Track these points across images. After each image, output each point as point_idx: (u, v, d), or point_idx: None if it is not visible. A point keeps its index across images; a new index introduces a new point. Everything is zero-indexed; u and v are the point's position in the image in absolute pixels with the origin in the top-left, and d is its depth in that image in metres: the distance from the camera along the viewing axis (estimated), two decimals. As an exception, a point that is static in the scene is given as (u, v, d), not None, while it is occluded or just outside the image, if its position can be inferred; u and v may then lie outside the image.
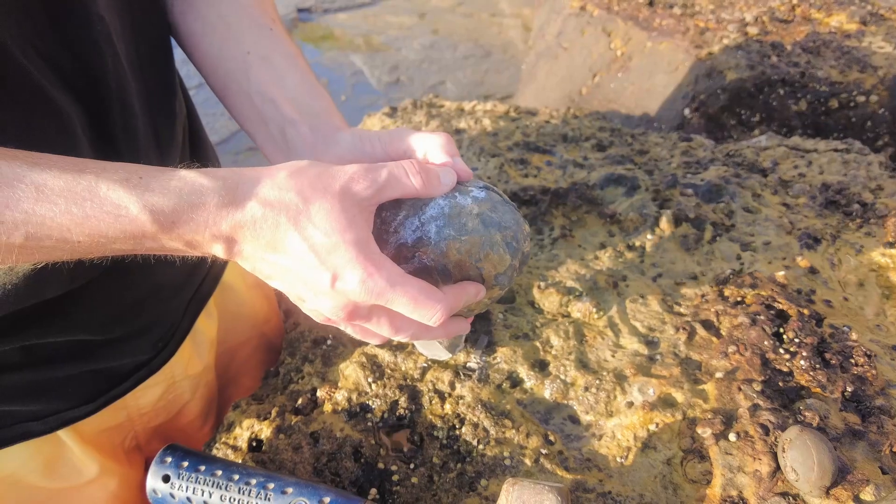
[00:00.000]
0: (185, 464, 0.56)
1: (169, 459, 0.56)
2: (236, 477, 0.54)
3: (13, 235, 0.33)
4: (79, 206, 0.34)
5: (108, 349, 0.56)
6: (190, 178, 0.38)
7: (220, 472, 0.55)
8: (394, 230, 0.46)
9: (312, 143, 0.51)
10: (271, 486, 0.54)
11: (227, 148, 3.38)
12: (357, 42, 4.53)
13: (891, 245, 0.83)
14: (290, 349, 0.76)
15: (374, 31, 4.67)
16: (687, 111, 1.35)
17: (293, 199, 0.38)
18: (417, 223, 0.45)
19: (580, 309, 0.72)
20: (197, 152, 0.67)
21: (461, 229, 0.45)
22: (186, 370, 0.68)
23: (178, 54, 0.59)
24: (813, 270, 0.79)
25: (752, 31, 1.49)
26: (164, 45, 0.56)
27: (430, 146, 0.48)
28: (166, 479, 0.55)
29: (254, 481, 0.54)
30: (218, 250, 0.39)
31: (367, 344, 0.71)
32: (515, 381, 0.66)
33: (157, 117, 0.54)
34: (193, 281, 0.66)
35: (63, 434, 0.58)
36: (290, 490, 0.53)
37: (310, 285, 0.40)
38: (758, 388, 0.60)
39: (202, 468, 0.55)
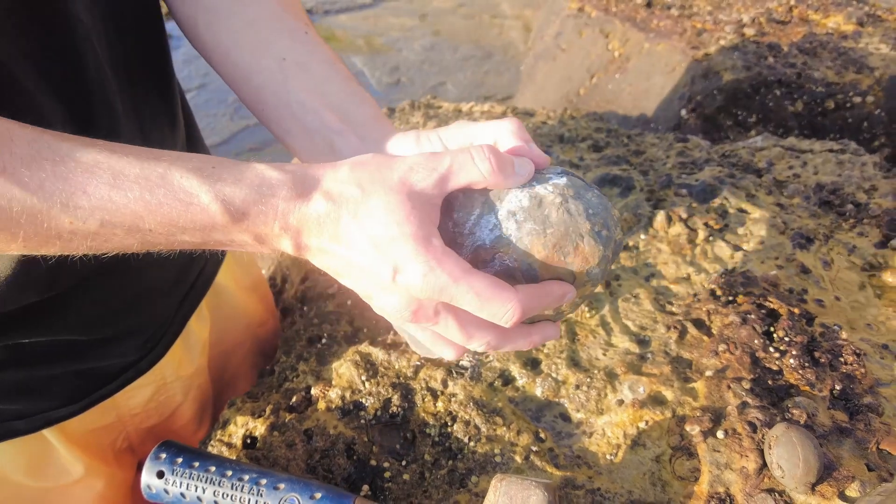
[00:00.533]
0: (180, 460, 0.56)
1: (163, 456, 0.57)
2: (229, 473, 0.55)
3: (89, 221, 0.34)
4: (152, 193, 0.35)
5: (95, 350, 0.57)
6: (261, 170, 0.37)
7: (213, 469, 0.56)
8: (469, 231, 0.41)
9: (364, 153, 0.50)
10: (264, 482, 0.54)
11: (227, 149, 3.39)
12: (358, 43, 4.54)
13: (883, 245, 0.84)
14: (285, 347, 0.77)
15: (375, 33, 4.68)
16: (684, 112, 1.36)
17: (353, 192, 0.38)
18: (494, 220, 0.40)
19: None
20: None
21: (544, 222, 0.40)
22: (178, 371, 0.69)
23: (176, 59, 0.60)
24: (805, 270, 0.80)
25: (749, 32, 1.49)
26: (155, 50, 0.56)
27: (500, 133, 0.43)
28: (160, 475, 0.56)
29: (246, 477, 0.55)
30: (286, 245, 0.39)
31: (360, 342, 0.72)
32: (507, 380, 0.67)
33: (146, 121, 0.54)
34: (184, 283, 0.66)
35: (48, 433, 0.58)
36: (282, 486, 0.54)
37: (373, 280, 0.38)
38: (747, 386, 0.61)
39: (196, 464, 0.56)
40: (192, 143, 0.67)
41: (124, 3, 0.50)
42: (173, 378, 0.69)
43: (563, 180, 0.42)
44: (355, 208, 0.37)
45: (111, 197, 0.34)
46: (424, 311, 0.39)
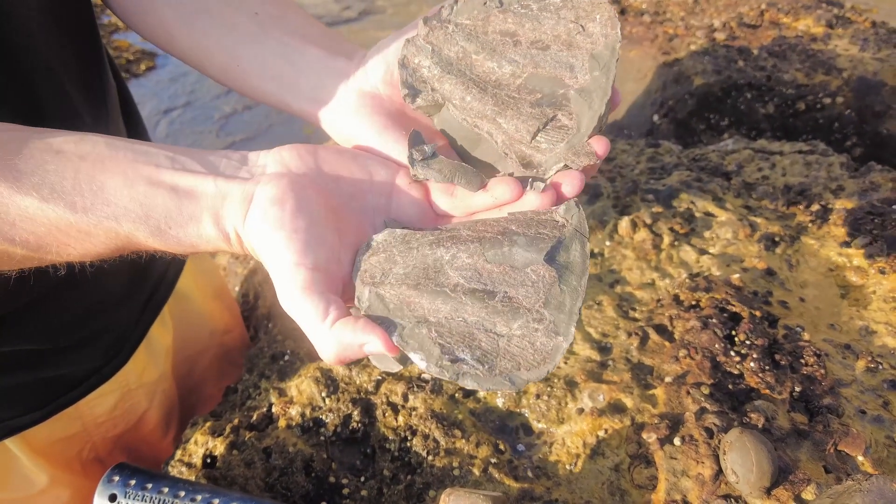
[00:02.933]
0: (133, 482, 0.56)
1: (116, 478, 0.56)
2: (182, 494, 0.54)
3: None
4: (119, 249, 0.37)
5: (56, 358, 0.57)
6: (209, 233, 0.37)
7: (166, 490, 0.55)
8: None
9: (356, 72, 0.45)
10: (216, 502, 0.54)
11: (214, 165, 3.39)
12: (344, 57, 4.55)
13: (847, 244, 0.84)
14: (248, 365, 0.76)
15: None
16: (656, 117, 1.36)
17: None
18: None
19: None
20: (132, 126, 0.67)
21: None
22: (141, 378, 0.69)
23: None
24: (770, 272, 0.80)
25: (720, 36, 1.51)
26: (84, 16, 0.54)
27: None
28: (113, 497, 0.55)
29: (199, 497, 0.54)
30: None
31: (321, 359, 0.71)
32: (468, 391, 0.66)
33: (82, 88, 0.53)
34: (143, 290, 0.66)
35: (11, 444, 0.58)
36: (234, 506, 0.53)
37: None
38: (706, 391, 0.60)
39: (149, 486, 0.55)
40: (130, 118, 0.67)
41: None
42: (137, 384, 0.69)
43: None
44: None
45: (87, 247, 0.35)
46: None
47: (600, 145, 0.37)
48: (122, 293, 0.63)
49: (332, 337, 0.32)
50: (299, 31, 0.47)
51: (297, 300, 0.33)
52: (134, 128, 0.67)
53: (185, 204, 0.35)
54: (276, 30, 0.47)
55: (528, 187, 0.38)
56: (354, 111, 0.42)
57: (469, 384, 0.32)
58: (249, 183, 0.36)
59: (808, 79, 1.36)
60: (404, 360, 0.60)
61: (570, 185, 0.36)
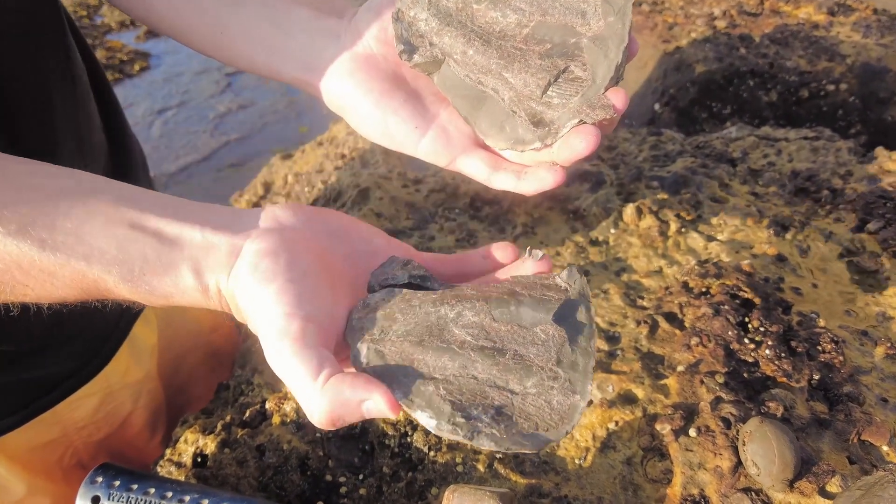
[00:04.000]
0: (117, 483, 0.53)
1: (100, 479, 0.53)
2: (170, 494, 0.51)
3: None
4: (86, 293, 0.35)
5: (31, 359, 0.53)
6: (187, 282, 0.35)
7: (152, 491, 0.52)
8: None
9: (345, 28, 0.42)
10: (205, 502, 0.51)
11: (208, 165, 3.36)
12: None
13: (860, 229, 0.81)
14: (241, 361, 0.73)
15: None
16: (657, 106, 1.34)
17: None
18: None
19: (540, 306, 0.69)
20: (118, 147, 0.64)
21: None
22: (124, 378, 0.65)
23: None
24: (781, 258, 0.77)
25: (721, 24, 1.48)
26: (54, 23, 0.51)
27: None
28: (96, 500, 0.52)
29: (187, 498, 0.51)
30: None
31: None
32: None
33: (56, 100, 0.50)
34: None
35: None
36: (224, 507, 0.50)
37: None
38: (721, 380, 0.58)
39: (134, 487, 0.52)
40: (118, 134, 0.64)
41: None
42: (120, 385, 0.65)
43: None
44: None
45: (49, 290, 0.34)
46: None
47: (618, 97, 0.34)
48: None
49: (325, 396, 0.29)
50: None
51: (287, 354, 0.30)
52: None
53: (165, 251, 0.33)
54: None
55: (527, 255, 0.38)
56: (349, 75, 0.39)
57: (486, 444, 0.29)
58: (239, 236, 0.34)
59: (811, 66, 1.34)
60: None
61: (586, 141, 0.33)
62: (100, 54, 4.45)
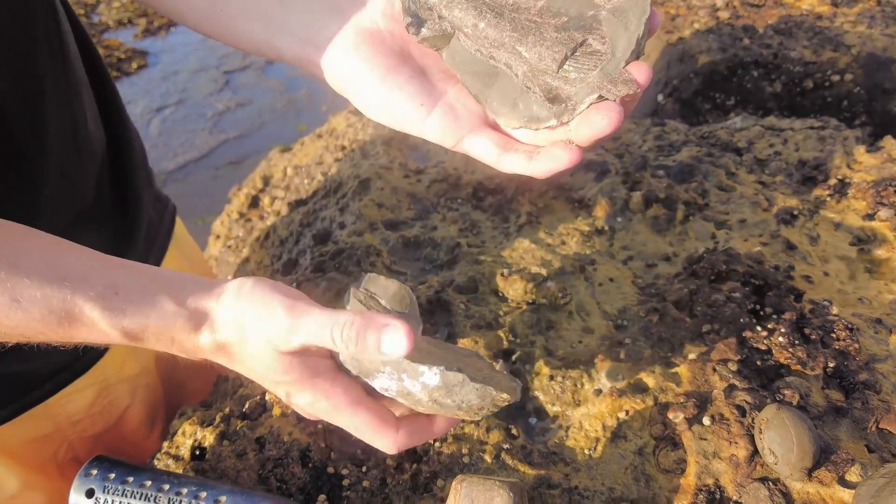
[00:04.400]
0: (112, 476, 0.51)
1: (94, 472, 0.51)
2: (166, 487, 0.50)
3: None
4: (55, 317, 0.36)
5: (21, 352, 0.52)
6: (162, 303, 0.38)
7: (148, 483, 0.50)
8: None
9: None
10: (203, 495, 0.49)
11: (207, 163, 3.34)
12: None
13: (870, 217, 0.80)
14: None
15: None
16: (660, 97, 1.32)
17: (234, 336, 0.39)
18: (369, 387, 0.41)
19: (546, 295, 0.68)
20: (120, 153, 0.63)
21: (416, 405, 0.40)
22: (121, 372, 0.63)
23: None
24: (791, 246, 0.76)
25: (724, 15, 1.47)
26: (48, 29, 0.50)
27: None
28: (90, 493, 0.50)
29: (185, 491, 0.49)
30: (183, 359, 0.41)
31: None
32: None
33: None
34: None
35: None
36: (223, 499, 0.48)
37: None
38: (734, 367, 0.56)
39: (130, 479, 0.50)
40: (119, 138, 0.62)
41: None
42: (117, 379, 0.64)
43: (435, 380, 0.39)
44: (240, 351, 0.39)
45: (11, 317, 0.35)
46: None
47: (641, 72, 0.32)
48: None
49: None
50: None
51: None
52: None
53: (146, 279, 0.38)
54: None
55: None
56: (353, 51, 0.38)
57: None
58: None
59: (816, 56, 1.32)
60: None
61: (608, 118, 0.31)
62: (97, 53, 4.43)
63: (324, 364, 0.40)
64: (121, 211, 0.65)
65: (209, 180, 3.23)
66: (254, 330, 0.38)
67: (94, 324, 0.36)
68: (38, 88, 0.49)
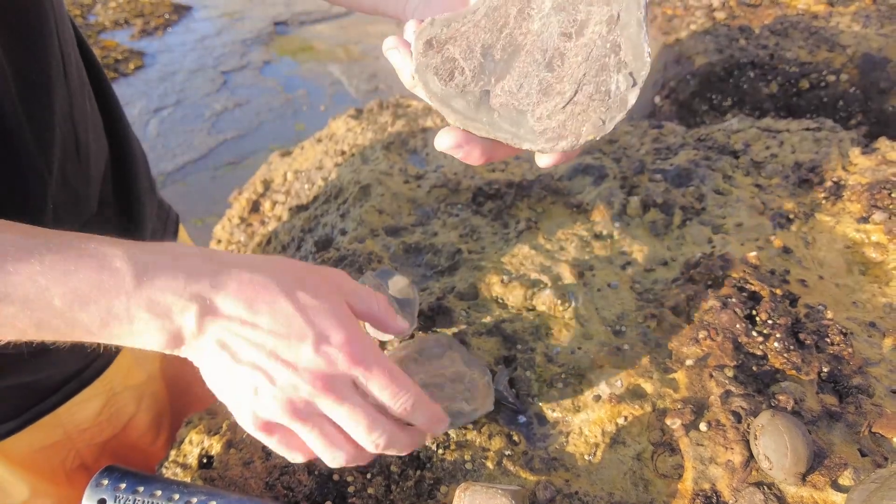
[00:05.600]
0: (123, 486, 0.52)
1: (105, 482, 0.53)
2: (176, 497, 0.51)
3: None
4: (64, 259, 0.34)
5: (31, 362, 0.53)
6: (179, 246, 0.38)
7: (159, 493, 0.51)
8: None
9: None
10: (213, 503, 0.50)
11: (205, 163, 3.34)
12: (336, 52, 4.53)
13: (865, 220, 0.81)
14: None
15: (352, 41, 4.66)
16: (657, 99, 1.33)
17: (283, 269, 0.38)
18: None
19: (545, 301, 0.69)
20: (120, 161, 0.64)
21: None
22: (126, 381, 0.65)
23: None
24: (787, 250, 0.77)
25: (720, 15, 1.47)
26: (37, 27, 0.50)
27: None
28: (102, 503, 0.51)
29: (195, 500, 0.50)
30: (189, 317, 0.36)
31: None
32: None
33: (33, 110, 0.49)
34: None
35: None
36: (232, 508, 0.50)
37: (280, 354, 0.37)
38: (730, 373, 0.57)
39: (140, 489, 0.52)
40: (120, 148, 0.63)
41: None
42: (122, 388, 0.65)
43: None
44: (288, 281, 0.37)
45: (14, 269, 0.33)
46: (338, 385, 0.38)
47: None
48: None
49: None
50: None
51: None
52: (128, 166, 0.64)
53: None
54: None
55: None
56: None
57: None
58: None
59: (812, 56, 1.33)
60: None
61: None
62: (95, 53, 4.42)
63: (353, 317, 0.42)
64: (125, 220, 0.66)
65: (208, 181, 3.23)
66: (305, 267, 0.41)
67: (104, 259, 0.35)
68: (47, 100, 0.50)
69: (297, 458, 0.41)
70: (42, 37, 0.49)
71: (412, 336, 0.65)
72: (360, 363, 0.38)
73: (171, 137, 3.69)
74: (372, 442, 0.39)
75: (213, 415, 0.68)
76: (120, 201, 0.65)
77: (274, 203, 1.24)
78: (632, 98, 0.37)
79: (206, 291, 0.36)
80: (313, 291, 0.38)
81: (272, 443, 0.40)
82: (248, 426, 0.39)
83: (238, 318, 0.37)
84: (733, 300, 0.65)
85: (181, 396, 0.78)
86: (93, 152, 0.59)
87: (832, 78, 1.32)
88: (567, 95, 0.39)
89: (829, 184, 0.91)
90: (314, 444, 0.39)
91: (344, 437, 0.40)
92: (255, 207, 1.27)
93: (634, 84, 0.37)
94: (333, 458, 0.40)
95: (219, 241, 1.27)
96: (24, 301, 0.33)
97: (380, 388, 0.39)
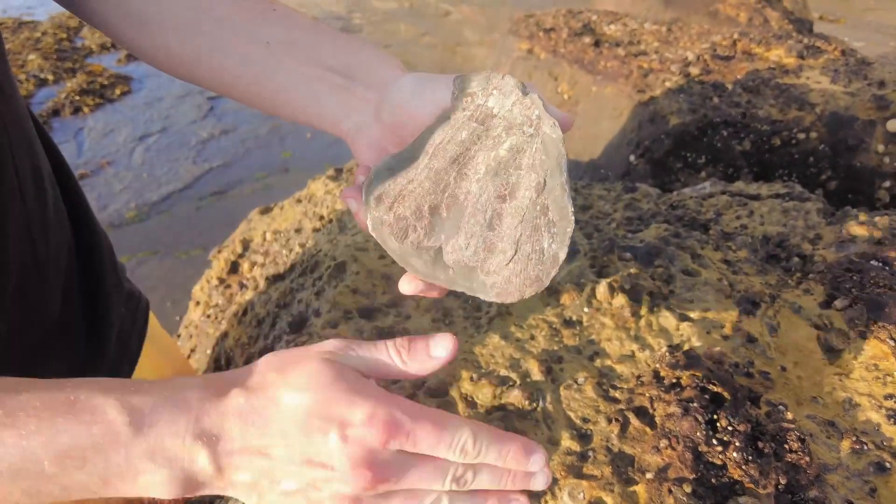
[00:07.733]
0: None
1: None
2: None
3: None
4: (53, 422, 0.33)
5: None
6: (173, 381, 0.37)
7: None
8: None
9: (375, 102, 0.50)
10: None
11: (190, 194, 3.34)
12: (322, 76, 4.53)
13: (827, 305, 0.83)
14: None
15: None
16: (632, 157, 1.35)
17: (272, 377, 0.38)
18: None
19: (513, 401, 0.70)
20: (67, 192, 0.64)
21: None
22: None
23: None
24: (751, 339, 0.78)
25: (694, 70, 1.50)
26: None
27: None
28: None
29: None
30: (201, 462, 0.35)
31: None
32: (444, 490, 0.63)
33: None
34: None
35: None
36: None
37: (314, 461, 0.35)
38: (688, 488, 0.58)
39: None
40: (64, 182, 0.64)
41: None
42: None
43: None
44: (278, 391, 0.37)
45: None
46: (383, 467, 0.37)
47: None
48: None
49: None
50: (312, 57, 0.50)
51: None
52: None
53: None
54: (290, 59, 0.50)
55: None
56: (377, 142, 0.49)
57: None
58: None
59: (783, 114, 1.36)
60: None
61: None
62: (80, 78, 4.41)
63: (372, 384, 0.41)
64: (91, 320, 0.66)
65: (193, 212, 3.22)
66: (295, 357, 0.40)
67: (96, 413, 0.33)
68: (2, 213, 0.50)
69: None
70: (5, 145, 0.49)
71: None
72: (397, 431, 0.37)
73: (156, 166, 3.68)
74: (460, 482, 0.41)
75: None
76: (86, 300, 0.65)
77: (253, 264, 1.24)
78: (562, 255, 0.41)
79: (211, 439, 0.35)
80: (313, 384, 0.37)
81: None
82: None
83: (254, 448, 0.36)
84: (695, 405, 0.66)
85: None
86: (52, 258, 0.59)
87: (802, 136, 1.35)
88: (508, 254, 0.41)
89: (795, 260, 0.94)
90: None
91: None
92: (233, 268, 1.27)
93: (562, 242, 0.41)
94: None
95: (197, 303, 1.27)
96: (11, 472, 0.32)
97: (431, 447, 0.38)
